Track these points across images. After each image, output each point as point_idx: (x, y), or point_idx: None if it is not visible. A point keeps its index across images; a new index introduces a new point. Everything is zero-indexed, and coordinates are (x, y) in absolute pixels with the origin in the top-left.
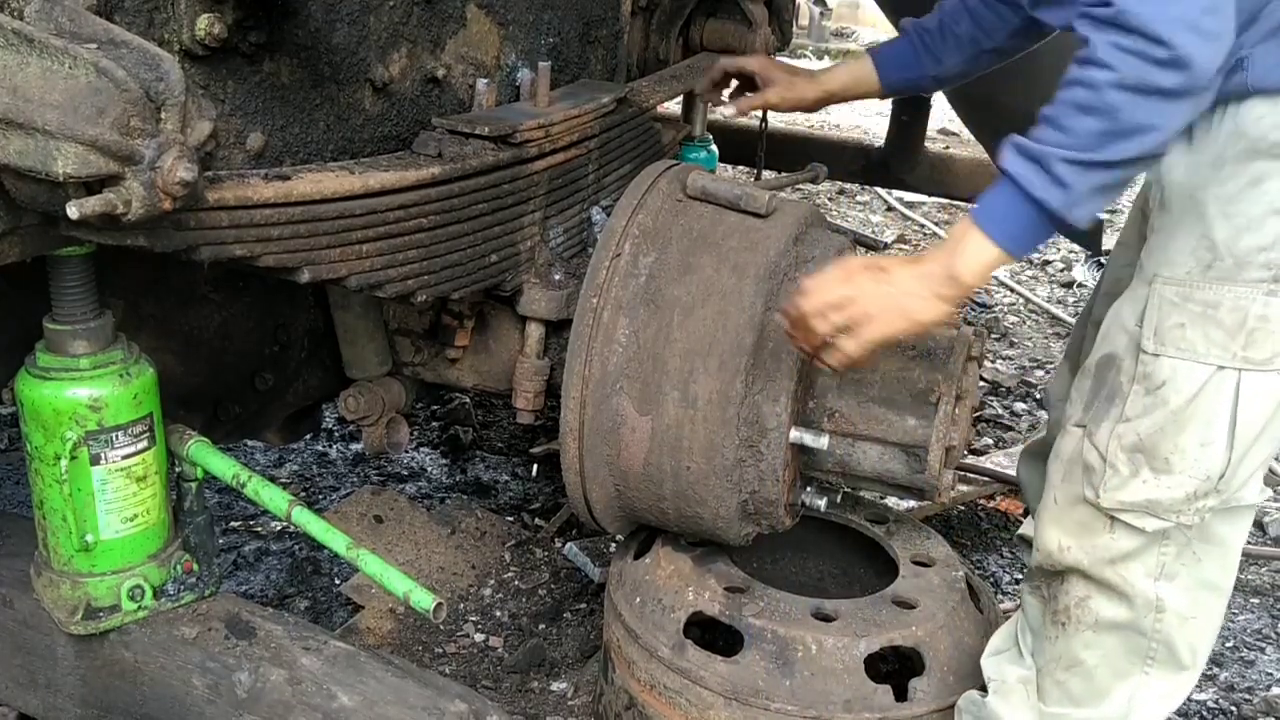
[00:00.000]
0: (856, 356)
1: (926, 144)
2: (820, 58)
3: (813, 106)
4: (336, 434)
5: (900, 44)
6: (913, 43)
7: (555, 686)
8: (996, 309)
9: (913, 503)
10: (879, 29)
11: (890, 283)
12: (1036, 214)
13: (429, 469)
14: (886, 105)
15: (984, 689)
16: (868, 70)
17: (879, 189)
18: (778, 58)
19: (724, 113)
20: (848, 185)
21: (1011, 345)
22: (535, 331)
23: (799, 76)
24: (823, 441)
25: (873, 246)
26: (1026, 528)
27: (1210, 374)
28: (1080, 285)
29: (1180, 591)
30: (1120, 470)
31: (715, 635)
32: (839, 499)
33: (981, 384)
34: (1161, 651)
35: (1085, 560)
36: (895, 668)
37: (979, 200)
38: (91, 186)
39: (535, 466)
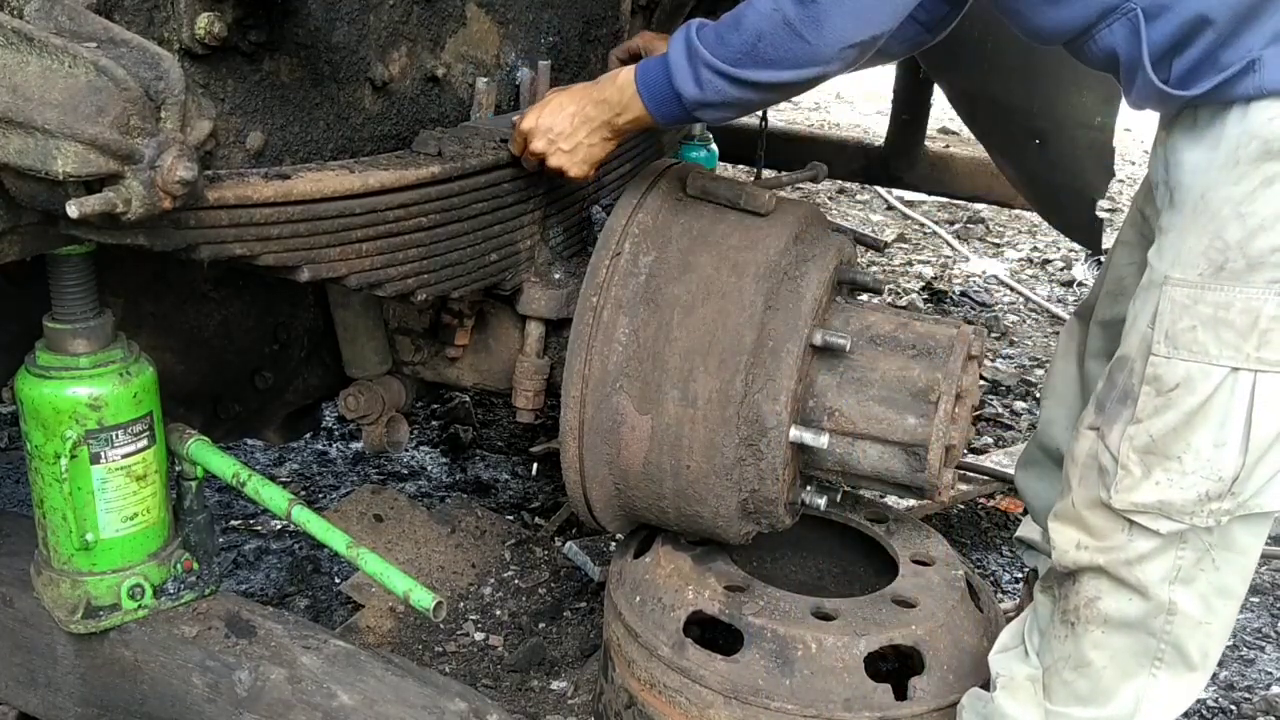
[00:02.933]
0: (564, 166)
1: (926, 143)
2: None
3: None
4: (336, 433)
5: None
6: None
7: (555, 685)
8: (996, 308)
9: (913, 501)
10: None
11: (569, 119)
12: (676, 97)
13: (429, 468)
14: (887, 104)
15: (987, 685)
16: None
17: (879, 188)
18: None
19: None
20: (848, 184)
21: (1011, 344)
22: (535, 330)
23: None
24: (822, 440)
25: (873, 245)
26: (1023, 530)
27: (1224, 375)
28: (1080, 284)
29: (1195, 597)
30: (1132, 471)
31: (715, 634)
32: (839, 498)
33: (981, 383)
34: (1170, 654)
35: (1101, 560)
36: (895, 666)
37: (645, 65)
38: (91, 185)
39: (535, 465)
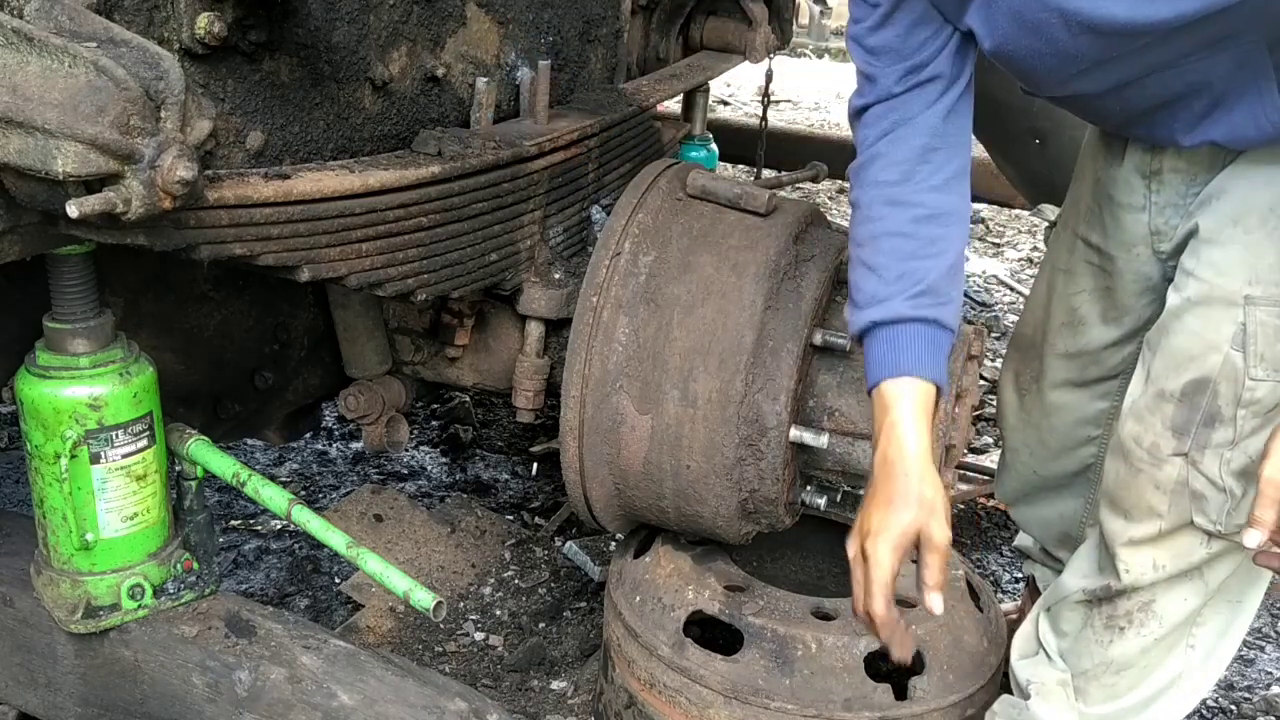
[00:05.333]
0: None
1: None
2: (820, 57)
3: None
4: (336, 433)
5: (916, 330)
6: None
7: (555, 685)
8: (996, 308)
9: None
10: None
11: None
12: None
13: (429, 467)
14: None
15: (1005, 689)
16: (926, 392)
17: None
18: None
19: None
20: (848, 184)
21: None
22: (535, 330)
23: (933, 496)
24: (823, 440)
25: None
26: (1021, 539)
27: None
28: None
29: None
30: (1236, 494)
31: (715, 634)
32: (839, 498)
33: (981, 383)
34: (1201, 634)
35: (1176, 568)
36: (895, 666)
37: None
38: (91, 185)
39: (535, 465)
